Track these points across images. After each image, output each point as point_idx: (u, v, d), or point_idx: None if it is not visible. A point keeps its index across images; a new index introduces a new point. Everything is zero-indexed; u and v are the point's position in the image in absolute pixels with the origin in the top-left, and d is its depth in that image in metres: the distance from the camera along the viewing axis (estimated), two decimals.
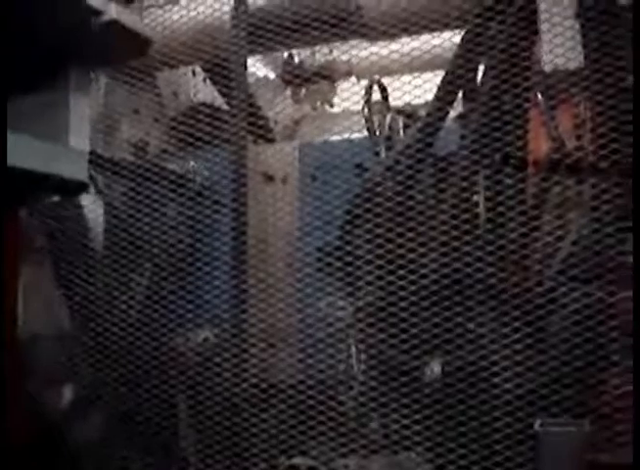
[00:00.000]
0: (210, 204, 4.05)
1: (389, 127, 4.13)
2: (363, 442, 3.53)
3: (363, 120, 4.09)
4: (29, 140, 2.21)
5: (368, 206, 3.69)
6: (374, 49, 4.37)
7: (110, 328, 3.99)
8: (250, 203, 3.96)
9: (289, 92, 5.37)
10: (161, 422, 3.86)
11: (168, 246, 4.08)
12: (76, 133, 2.38)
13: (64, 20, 2.20)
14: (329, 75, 5.32)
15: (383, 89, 4.16)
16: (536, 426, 2.77)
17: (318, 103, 5.57)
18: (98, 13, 2.17)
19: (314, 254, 3.93)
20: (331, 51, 5.28)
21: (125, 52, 2.45)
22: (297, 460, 3.55)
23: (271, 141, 4.68)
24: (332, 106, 5.56)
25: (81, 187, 2.39)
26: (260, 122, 4.46)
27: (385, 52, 4.15)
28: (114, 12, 2.18)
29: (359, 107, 4.12)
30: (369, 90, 4.11)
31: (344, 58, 5.22)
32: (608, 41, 3.09)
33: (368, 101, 4.09)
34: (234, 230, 3.84)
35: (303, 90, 5.52)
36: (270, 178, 4.30)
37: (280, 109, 5.09)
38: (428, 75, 3.83)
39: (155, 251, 4.05)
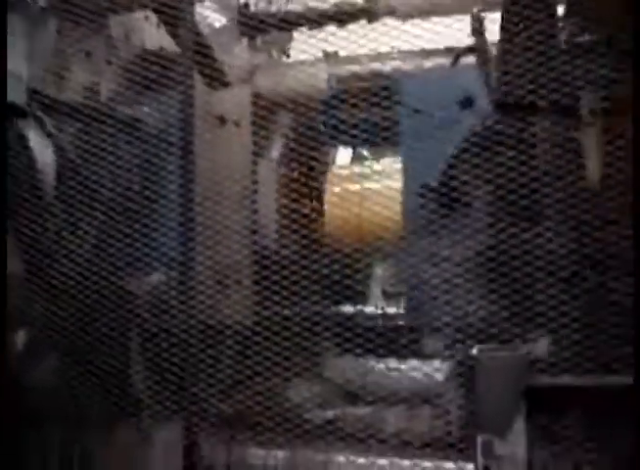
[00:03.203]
0: (162, 147, 4.05)
1: None
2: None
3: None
4: None
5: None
6: None
7: (62, 271, 4.00)
8: (202, 146, 3.97)
9: (244, 39, 5.32)
10: (116, 363, 3.91)
11: (119, 189, 4.07)
12: (14, 58, 2.38)
13: None
14: (285, 24, 5.27)
15: None
16: (474, 351, 2.81)
17: (274, 52, 5.53)
18: None
19: None
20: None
21: None
22: None
23: (225, 86, 4.66)
24: (288, 56, 5.52)
25: (18, 112, 2.38)
26: (214, 67, 4.44)
27: None
28: None
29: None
30: None
31: (300, 6, 5.17)
32: None
33: None
34: (184, 173, 3.85)
35: (259, 38, 5.47)
36: (222, 121, 4.29)
37: (234, 55, 5.05)
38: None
39: (105, 194, 4.04)
